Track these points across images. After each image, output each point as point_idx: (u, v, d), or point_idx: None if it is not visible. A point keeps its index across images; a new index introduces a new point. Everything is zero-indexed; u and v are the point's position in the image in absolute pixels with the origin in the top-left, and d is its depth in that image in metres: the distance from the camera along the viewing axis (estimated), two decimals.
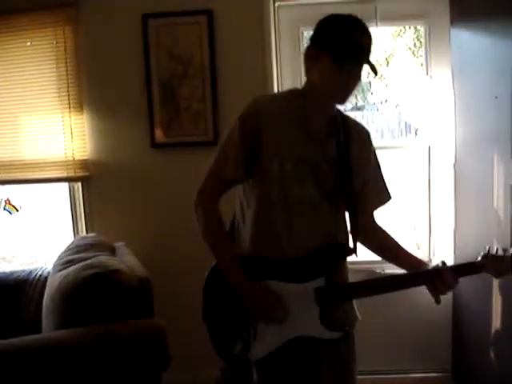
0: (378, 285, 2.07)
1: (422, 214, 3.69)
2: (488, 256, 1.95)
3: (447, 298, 3.45)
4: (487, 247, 1.96)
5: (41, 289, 3.11)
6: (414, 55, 4.99)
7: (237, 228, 2.13)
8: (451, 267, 2.00)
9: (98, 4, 3.56)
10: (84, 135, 3.66)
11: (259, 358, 2.00)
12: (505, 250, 1.95)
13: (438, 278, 1.96)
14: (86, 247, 3.02)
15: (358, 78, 1.94)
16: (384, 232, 2.20)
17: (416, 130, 4.37)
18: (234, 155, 2.01)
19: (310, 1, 3.51)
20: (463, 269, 2.00)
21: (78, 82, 3.61)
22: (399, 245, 2.16)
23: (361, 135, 2.12)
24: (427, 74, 3.55)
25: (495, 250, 1.95)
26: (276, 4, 3.52)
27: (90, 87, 3.63)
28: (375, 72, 1.90)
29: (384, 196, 2.18)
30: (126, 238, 3.42)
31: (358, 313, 2.16)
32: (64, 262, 2.87)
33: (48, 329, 2.65)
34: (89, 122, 3.65)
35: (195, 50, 3.48)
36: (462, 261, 3.27)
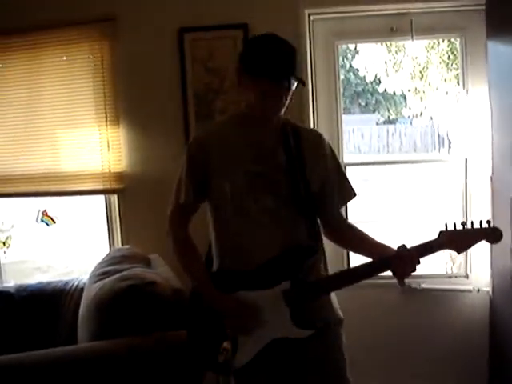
0: (342, 277, 2.16)
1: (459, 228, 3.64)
2: (445, 232, 2.02)
3: (484, 310, 3.43)
4: (445, 223, 2.01)
5: (77, 299, 3.13)
6: (448, 68, 4.95)
7: (210, 248, 2.28)
8: (409, 249, 2.04)
9: (135, 19, 3.60)
10: (120, 148, 3.70)
11: (241, 365, 2.09)
12: (463, 224, 2.02)
13: (398, 261, 2.02)
14: (122, 259, 3.05)
15: (289, 88, 2.04)
16: (353, 229, 2.25)
17: (450, 143, 4.33)
18: (184, 183, 2.18)
19: (345, 14, 3.51)
20: (422, 249, 2.05)
21: (115, 96, 3.66)
22: (369, 238, 2.20)
23: (311, 139, 2.20)
24: (463, 87, 3.52)
25: (453, 226, 2.01)
26: (311, 18, 3.53)
27: (127, 101, 3.67)
28: (302, 84, 2.07)
29: (347, 194, 2.24)
30: (161, 249, 3.42)
31: (339, 311, 2.24)
32: (100, 274, 2.90)
33: (83, 339, 2.67)
34: (125, 135, 3.69)
35: (231, 63, 3.50)
36: (499, 276, 3.24)
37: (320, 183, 2.15)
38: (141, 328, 2.47)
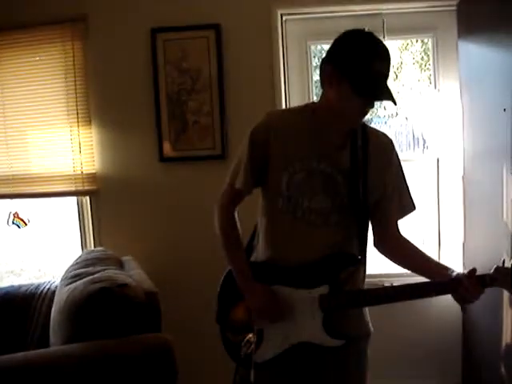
0: (385, 294, 2.03)
1: (431, 228, 3.67)
2: (501, 269, 1.90)
3: (457, 311, 3.46)
4: (502, 259, 1.93)
5: (48, 302, 3.10)
6: (422, 68, 4.99)
7: (256, 236, 2.19)
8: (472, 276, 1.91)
9: (107, 19, 3.58)
10: (92, 149, 3.67)
11: (263, 360, 2.04)
12: None
13: (467, 286, 1.89)
14: (94, 261, 3.02)
15: (373, 105, 1.96)
16: (409, 243, 2.13)
17: (424, 143, 4.37)
18: (244, 167, 2.06)
19: (318, 15, 3.52)
20: (477, 280, 1.91)
21: (87, 96, 3.63)
22: (425, 256, 2.09)
23: (380, 144, 2.08)
24: (435, 87, 3.55)
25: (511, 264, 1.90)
26: (284, 18, 3.54)
27: (99, 101, 3.64)
28: (395, 103, 1.89)
29: (406, 207, 2.13)
30: (134, 251, 3.42)
31: (370, 325, 2.16)
32: (72, 276, 2.86)
33: (55, 343, 2.64)
34: (97, 136, 3.67)
35: (203, 64, 3.50)
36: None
37: (380, 192, 2.07)
38: (113, 331, 2.45)
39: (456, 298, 1.94)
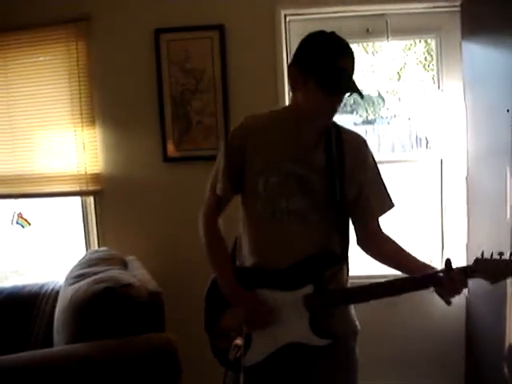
0: (370, 290, 2.05)
1: (434, 228, 3.67)
2: (479, 261, 1.93)
3: (460, 311, 3.46)
4: (481, 251, 1.94)
5: (52, 302, 3.11)
6: (425, 69, 4.99)
7: (239, 244, 2.22)
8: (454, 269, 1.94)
9: (111, 19, 3.59)
10: (96, 149, 3.68)
11: (251, 364, 2.06)
12: (501, 254, 1.92)
13: (448, 279, 1.92)
14: (98, 261, 3.03)
15: (341, 100, 1.99)
16: (390, 241, 2.14)
17: (427, 144, 4.37)
18: (222, 173, 2.13)
19: (321, 15, 3.52)
20: (460, 272, 1.95)
21: (91, 97, 3.64)
22: (405, 252, 2.09)
23: (354, 143, 2.12)
24: (439, 87, 3.55)
25: (490, 254, 1.92)
26: (287, 18, 3.54)
27: (103, 101, 3.65)
28: (361, 96, 1.95)
29: (385, 203, 2.15)
30: (138, 251, 3.42)
31: (357, 323, 2.19)
32: (76, 276, 2.88)
33: (59, 342, 2.66)
34: (101, 136, 3.67)
35: (207, 64, 3.50)
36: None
37: (357, 190, 2.08)
38: (117, 330, 2.46)
39: (439, 292, 1.95)
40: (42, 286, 3.35)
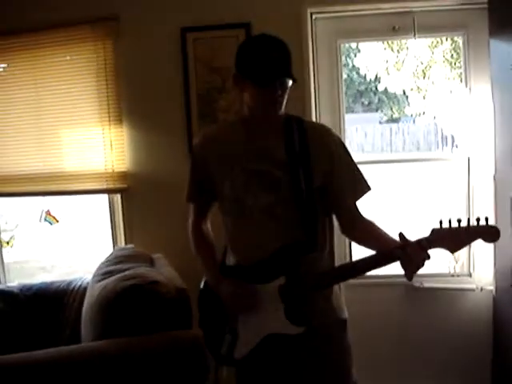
0: (340, 271, 2.14)
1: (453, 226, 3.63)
2: (437, 230, 1.96)
3: (487, 311, 3.43)
4: (440, 220, 1.95)
5: (80, 299, 3.14)
6: (452, 67, 4.95)
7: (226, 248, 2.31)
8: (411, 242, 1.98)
9: (138, 18, 3.61)
10: (123, 147, 3.71)
11: (241, 356, 2.13)
12: (459, 222, 1.94)
13: (402, 252, 1.96)
14: (125, 258, 3.06)
15: (282, 88, 2.06)
16: (369, 224, 2.18)
17: (453, 142, 4.33)
18: (188, 183, 2.36)
19: (348, 13, 3.51)
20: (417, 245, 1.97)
21: (118, 95, 3.67)
22: (379, 233, 2.13)
23: (317, 132, 2.19)
24: (466, 85, 3.52)
25: (448, 222, 1.95)
26: (313, 16, 3.53)
27: (130, 100, 3.68)
28: (294, 80, 2.08)
29: (357, 188, 2.19)
30: (164, 249, 3.44)
31: (341, 311, 2.23)
32: (103, 273, 2.90)
33: (87, 339, 2.68)
34: (128, 134, 3.70)
35: (233, 62, 3.50)
36: (502, 275, 3.24)
37: (324, 177, 2.12)
38: (144, 327, 2.48)
39: (403, 267, 1.98)
40: (69, 283, 3.38)
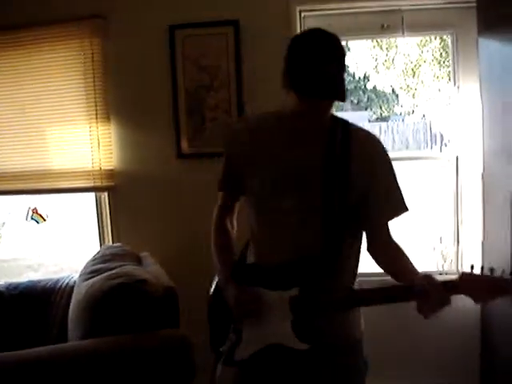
0: (358, 299, 1.99)
1: (450, 226, 3.65)
2: (466, 275, 1.80)
3: (475, 309, 3.44)
4: (471, 264, 1.84)
5: (67, 297, 3.12)
6: (441, 65, 4.96)
7: (247, 244, 2.21)
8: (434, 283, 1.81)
9: (125, 16, 3.59)
10: (111, 145, 3.69)
11: (241, 359, 2.05)
12: (491, 270, 1.78)
13: (423, 294, 1.79)
14: (112, 257, 3.04)
15: (329, 102, 1.90)
16: (396, 250, 2.04)
17: (442, 141, 4.35)
18: (222, 175, 2.17)
19: (336, 11, 3.51)
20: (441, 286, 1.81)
21: (105, 93, 3.65)
22: (407, 265, 1.98)
23: (363, 143, 2.00)
24: (454, 84, 3.52)
25: (481, 269, 1.80)
26: (302, 14, 3.53)
27: (117, 98, 3.66)
28: (343, 100, 1.86)
29: (397, 207, 2.03)
30: (152, 247, 3.43)
31: (355, 330, 2.10)
32: (90, 272, 2.88)
33: (74, 338, 2.66)
34: (115, 132, 3.68)
35: (222, 60, 3.50)
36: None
37: (362, 193, 1.96)
38: (131, 326, 2.46)
39: (419, 305, 1.82)
40: (56, 282, 3.36)
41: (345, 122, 2.02)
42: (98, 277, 2.70)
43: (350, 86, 9.86)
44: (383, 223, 2.04)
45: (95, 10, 3.58)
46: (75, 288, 3.00)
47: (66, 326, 2.89)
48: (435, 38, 4.68)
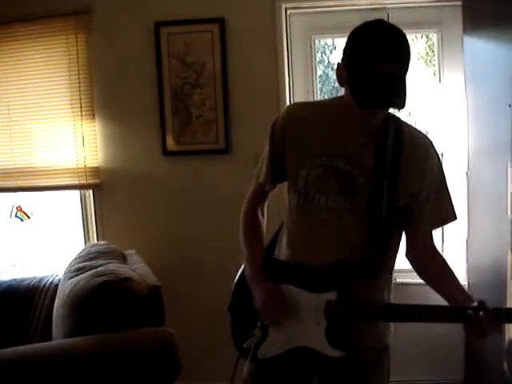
0: (394, 313, 1.89)
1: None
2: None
3: None
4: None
5: (51, 296, 3.10)
6: (427, 64, 4.97)
7: (282, 230, 2.11)
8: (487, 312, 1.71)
9: (111, 12, 3.58)
10: (95, 143, 3.67)
11: (265, 357, 1.97)
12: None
13: (477, 321, 1.71)
14: (97, 255, 3.02)
15: (375, 112, 1.82)
16: (439, 259, 1.98)
17: None
18: (266, 161, 2.04)
19: (322, 9, 3.51)
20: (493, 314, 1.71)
21: (90, 90, 3.63)
22: (451, 277, 1.93)
23: (415, 145, 1.91)
24: (440, 81, 3.54)
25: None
26: (288, 12, 3.52)
27: (102, 95, 3.64)
28: (401, 107, 1.78)
29: (445, 215, 1.96)
30: (137, 245, 3.42)
31: (386, 338, 2.04)
32: (75, 270, 2.86)
33: (58, 336, 2.65)
34: (100, 129, 3.67)
35: (207, 58, 3.49)
36: (475, 271, 3.25)
37: (411, 198, 1.89)
38: (116, 324, 2.44)
39: (466, 331, 1.76)
40: (40, 280, 3.34)
41: (398, 122, 1.93)
42: (83, 275, 2.68)
43: (336, 85, 9.86)
44: (430, 230, 1.98)
45: (80, 6, 3.56)
46: (59, 286, 2.98)
47: (50, 325, 2.87)
48: (422, 37, 4.69)
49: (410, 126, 1.98)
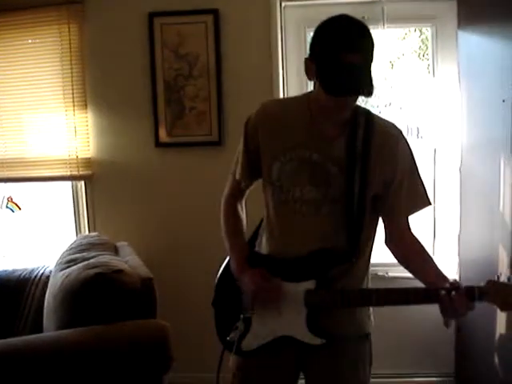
0: (370, 298, 1.95)
1: (426, 218, 3.66)
2: (492, 283, 1.77)
3: None
4: (499, 273, 1.84)
5: (43, 288, 3.10)
6: (420, 58, 4.97)
7: (262, 226, 2.15)
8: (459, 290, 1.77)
9: (104, 2, 3.55)
10: (88, 134, 3.65)
11: (249, 349, 2.01)
12: (509, 279, 1.80)
13: (447, 299, 1.76)
14: (89, 246, 3.01)
15: (351, 98, 1.86)
16: (416, 244, 2.01)
17: (418, 134, 4.36)
18: (240, 158, 2.08)
19: (317, 1, 3.50)
20: (465, 292, 1.77)
21: (83, 80, 3.61)
22: (428, 261, 1.96)
23: (386, 137, 1.95)
24: (433, 76, 3.54)
25: (507, 278, 1.81)
26: (282, 4, 3.51)
27: (95, 85, 3.62)
28: (370, 95, 1.83)
29: (418, 201, 2.00)
30: (129, 237, 3.41)
31: (366, 324, 2.10)
32: (66, 261, 2.85)
33: (49, 328, 2.64)
34: (93, 120, 3.64)
35: (201, 49, 3.47)
36: (466, 266, 3.27)
37: (384, 186, 1.94)
38: (108, 316, 2.44)
39: (442, 311, 1.80)
40: (31, 271, 3.32)
41: (368, 113, 1.98)
42: (75, 266, 2.67)
43: None
44: (405, 216, 2.01)
45: None
46: (51, 278, 2.97)
47: (40, 316, 2.87)
48: (415, 31, 4.69)
49: (380, 117, 2.03)
